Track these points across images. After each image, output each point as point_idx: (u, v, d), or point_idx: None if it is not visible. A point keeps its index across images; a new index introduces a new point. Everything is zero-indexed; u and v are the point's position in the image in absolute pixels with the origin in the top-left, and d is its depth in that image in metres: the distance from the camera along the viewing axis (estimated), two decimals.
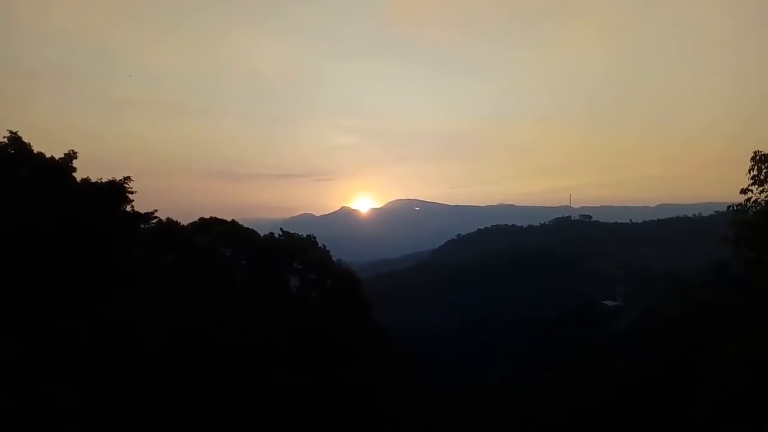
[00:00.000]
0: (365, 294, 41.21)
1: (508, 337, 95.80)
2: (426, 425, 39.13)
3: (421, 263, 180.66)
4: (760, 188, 13.75)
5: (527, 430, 45.96)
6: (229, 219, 38.22)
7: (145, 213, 25.15)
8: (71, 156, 21.51)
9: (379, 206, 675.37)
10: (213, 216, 37.41)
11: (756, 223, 13.86)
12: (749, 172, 13.74)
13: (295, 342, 28.94)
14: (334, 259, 42.83)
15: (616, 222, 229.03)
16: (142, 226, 26.34)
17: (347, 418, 28.14)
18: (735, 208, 14.30)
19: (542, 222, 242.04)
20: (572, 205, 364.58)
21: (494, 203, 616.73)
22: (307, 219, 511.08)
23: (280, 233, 41.37)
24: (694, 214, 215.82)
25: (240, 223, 38.81)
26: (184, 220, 34.83)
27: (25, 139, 20.72)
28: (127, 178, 22.30)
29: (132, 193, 22.57)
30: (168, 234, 31.16)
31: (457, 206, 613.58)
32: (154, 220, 28.03)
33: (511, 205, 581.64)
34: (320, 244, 42.25)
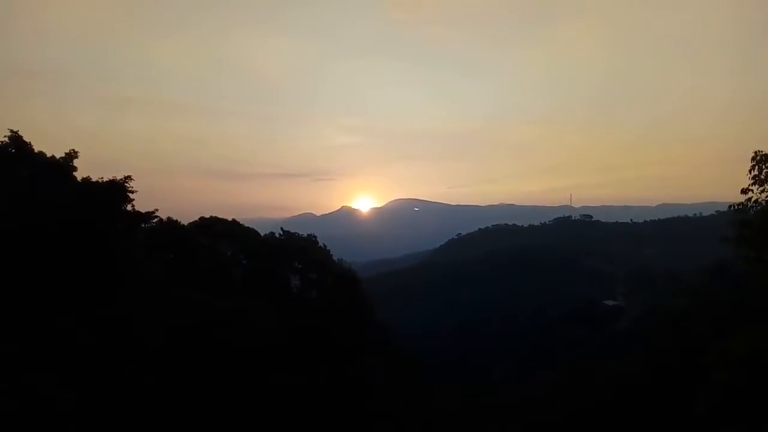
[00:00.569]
0: (366, 294, 41.23)
1: (508, 337, 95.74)
2: (426, 425, 39.12)
3: (421, 263, 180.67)
4: (761, 188, 13.71)
5: (527, 430, 45.93)
6: (229, 218, 38.29)
7: (145, 212, 25.11)
8: (72, 155, 21.48)
9: (379, 206, 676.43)
10: (213, 215, 37.44)
11: (756, 222, 13.83)
12: (750, 172, 13.70)
13: (296, 341, 28.96)
14: (334, 258, 42.87)
15: (616, 222, 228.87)
16: (142, 225, 26.28)
17: (347, 418, 28.14)
18: (736, 207, 14.27)
19: (543, 222, 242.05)
20: (573, 205, 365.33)
21: (495, 203, 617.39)
22: (308, 218, 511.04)
23: (281, 233, 41.41)
24: (695, 214, 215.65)
25: (240, 223, 38.83)
26: (185, 220, 34.90)
27: (26, 139, 20.72)
28: (128, 178, 22.26)
29: (132, 192, 22.51)
30: (168, 233, 31.19)
31: (457, 206, 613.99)
32: (155, 220, 27.98)
33: (512, 204, 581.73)
34: (321, 244, 42.29)
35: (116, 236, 21.59)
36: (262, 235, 39.88)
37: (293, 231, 42.40)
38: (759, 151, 13.62)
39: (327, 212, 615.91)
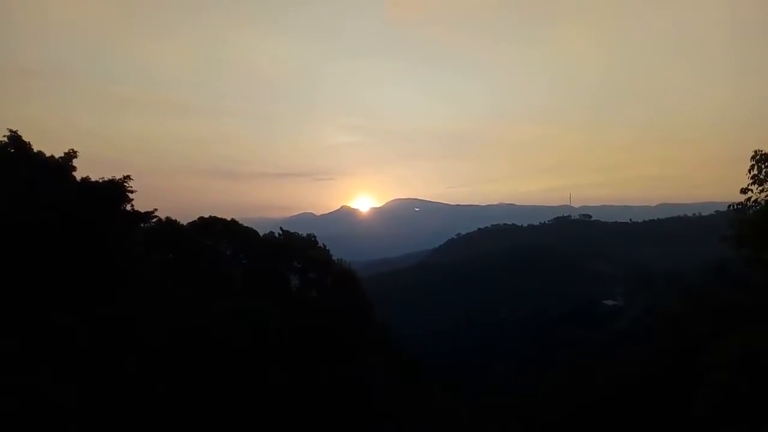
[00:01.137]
0: (365, 293, 41.18)
1: (508, 337, 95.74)
2: (426, 425, 39.11)
3: (421, 262, 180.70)
4: (760, 187, 13.73)
5: (527, 430, 45.93)
6: (229, 218, 38.18)
7: (145, 212, 25.13)
8: (71, 155, 21.48)
9: (379, 205, 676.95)
10: (213, 215, 37.35)
11: (756, 222, 13.83)
12: (749, 172, 13.72)
13: (296, 341, 28.94)
14: (334, 258, 42.77)
15: (616, 221, 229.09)
16: (142, 225, 26.31)
17: (347, 418, 28.14)
18: (735, 207, 14.28)
19: (542, 221, 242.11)
20: (572, 205, 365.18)
21: (494, 202, 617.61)
22: (307, 218, 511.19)
23: (280, 232, 41.34)
24: (694, 214, 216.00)
25: (240, 223, 38.76)
26: (184, 220, 34.86)
27: (25, 138, 20.72)
28: (127, 177, 22.27)
29: (132, 192, 22.55)
30: (168, 233, 31.17)
31: (457, 205, 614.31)
32: (154, 219, 28.00)
33: (512, 204, 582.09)
34: (320, 244, 42.20)
35: (116, 236, 21.57)
36: (261, 234, 39.81)
37: (293, 231, 42.31)
38: (759, 151, 13.63)
39: (327, 212, 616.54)
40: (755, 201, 13.87)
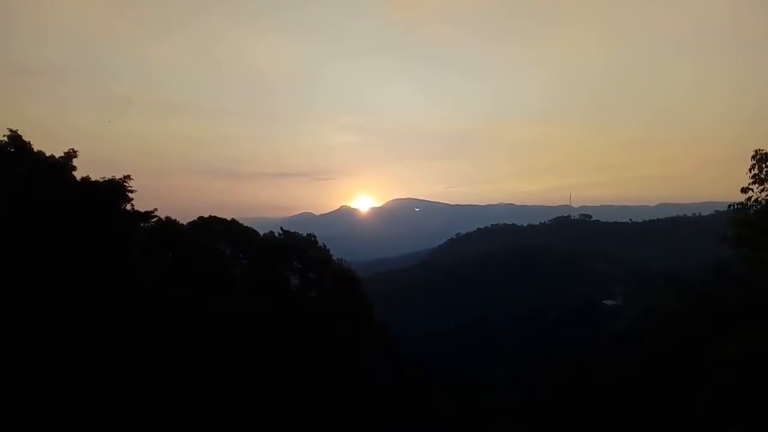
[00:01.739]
0: (365, 293, 41.14)
1: (508, 337, 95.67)
2: (426, 425, 39.10)
3: (421, 262, 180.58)
4: (761, 187, 13.70)
5: (527, 430, 45.92)
6: (228, 218, 38.19)
7: (144, 212, 25.09)
8: (71, 155, 21.45)
9: (379, 205, 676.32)
10: (212, 215, 37.36)
11: (756, 221, 13.81)
12: (750, 171, 13.69)
13: (295, 341, 28.92)
14: (333, 258, 42.73)
15: (616, 221, 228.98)
16: (141, 225, 26.27)
17: (347, 418, 28.13)
18: (735, 207, 14.26)
19: (542, 221, 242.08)
20: (572, 205, 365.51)
21: (494, 202, 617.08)
22: (307, 218, 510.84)
23: (280, 232, 41.32)
24: (694, 214, 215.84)
25: (240, 222, 38.76)
26: (184, 219, 34.84)
27: (25, 138, 20.69)
28: (127, 177, 22.25)
29: (132, 191, 22.50)
30: (168, 233, 31.14)
31: (457, 205, 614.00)
32: (154, 219, 27.97)
33: (511, 204, 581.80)
34: (320, 244, 42.15)
35: (116, 236, 21.55)
36: (261, 234, 39.80)
37: (293, 231, 42.27)
38: (759, 150, 13.60)
39: (326, 212, 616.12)
40: (756, 201, 13.85)
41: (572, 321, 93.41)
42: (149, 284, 22.60)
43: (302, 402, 25.17)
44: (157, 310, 20.60)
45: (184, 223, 34.33)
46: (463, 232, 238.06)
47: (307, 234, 42.26)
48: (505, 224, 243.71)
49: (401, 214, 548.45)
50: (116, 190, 22.12)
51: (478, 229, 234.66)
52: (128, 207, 23.03)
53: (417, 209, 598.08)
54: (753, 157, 13.64)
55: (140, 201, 23.42)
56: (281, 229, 42.14)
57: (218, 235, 36.07)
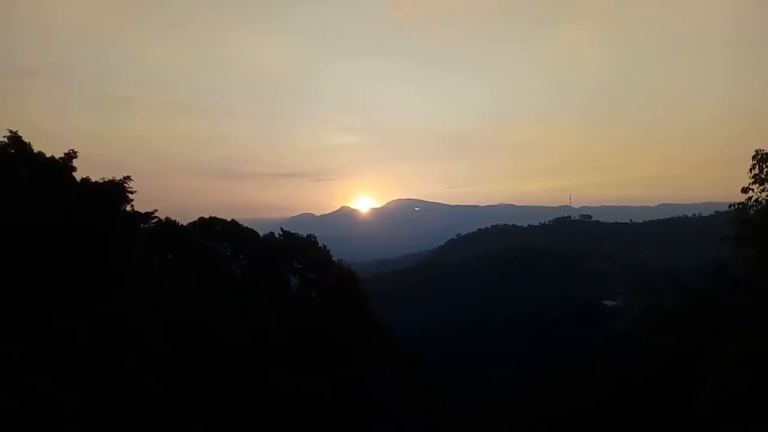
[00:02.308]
0: (365, 294, 41.17)
1: (508, 337, 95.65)
2: (426, 425, 39.10)
3: (421, 263, 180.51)
4: (761, 187, 13.71)
5: (528, 430, 45.90)
6: (229, 219, 38.24)
7: (144, 213, 25.15)
8: (71, 155, 21.49)
9: (379, 206, 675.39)
10: (213, 216, 37.40)
11: (757, 221, 13.82)
12: (750, 171, 13.70)
13: (295, 342, 28.94)
14: (334, 258, 42.78)
15: (616, 222, 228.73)
16: (142, 225, 26.32)
17: (347, 418, 28.13)
18: (736, 206, 14.27)
19: (542, 222, 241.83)
20: (572, 205, 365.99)
21: (494, 203, 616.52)
22: (307, 219, 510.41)
23: (280, 233, 41.36)
24: (695, 214, 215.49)
25: (240, 223, 38.79)
26: (184, 220, 34.90)
27: (25, 139, 20.72)
28: (127, 178, 22.27)
29: (132, 192, 22.53)
30: (168, 233, 31.18)
31: (457, 206, 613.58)
32: (154, 220, 28.02)
33: (512, 204, 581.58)
34: (320, 244, 42.21)
35: (116, 236, 21.56)
36: (261, 235, 39.85)
37: (293, 231, 42.35)
38: (760, 150, 13.61)
39: (327, 212, 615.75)
40: (756, 200, 13.86)
41: (572, 321, 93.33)
42: (149, 285, 22.60)
43: (303, 402, 25.16)
44: (157, 311, 20.61)
45: (184, 224, 34.36)
46: (464, 233, 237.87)
47: (308, 234, 42.33)
48: (505, 225, 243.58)
49: (401, 215, 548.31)
50: (116, 190, 22.13)
51: (478, 229, 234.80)
52: (128, 208, 23.06)
53: (417, 209, 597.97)
54: (753, 157, 13.66)
55: (140, 201, 23.49)
56: (281, 229, 42.19)
57: (218, 236, 36.10)
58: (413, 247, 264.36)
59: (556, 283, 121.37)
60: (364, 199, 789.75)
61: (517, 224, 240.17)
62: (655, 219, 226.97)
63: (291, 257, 38.67)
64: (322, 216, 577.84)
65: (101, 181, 21.98)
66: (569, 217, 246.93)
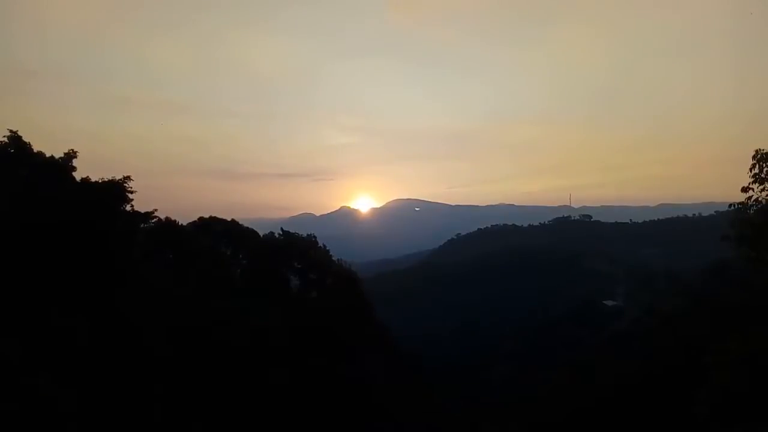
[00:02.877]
0: (365, 294, 41.16)
1: (508, 337, 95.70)
2: (426, 425, 39.07)
3: (421, 263, 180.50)
4: (761, 187, 13.66)
5: (527, 430, 45.90)
6: (229, 218, 38.22)
7: (144, 212, 25.13)
8: (71, 155, 21.49)
9: (379, 206, 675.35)
10: (213, 215, 37.39)
11: (757, 221, 13.78)
12: (750, 171, 13.65)
13: (296, 342, 28.92)
14: (334, 258, 42.77)
15: (616, 222, 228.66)
16: (142, 225, 26.30)
17: (347, 417, 28.11)
18: (736, 206, 14.22)
19: (542, 222, 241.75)
20: (572, 205, 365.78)
21: (494, 203, 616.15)
22: (307, 218, 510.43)
23: (280, 233, 41.33)
24: (695, 214, 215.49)
25: (240, 223, 38.78)
26: (184, 220, 34.88)
27: (25, 139, 20.73)
28: (127, 178, 22.27)
29: (132, 192, 22.54)
30: (168, 233, 31.14)
31: (457, 206, 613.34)
32: (154, 220, 27.99)
33: (512, 204, 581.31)
34: (320, 244, 42.19)
35: (116, 236, 21.56)
36: (261, 235, 39.84)
37: (293, 231, 42.32)
38: (760, 149, 13.55)
39: (327, 212, 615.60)
40: (756, 200, 13.81)
41: (572, 321, 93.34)
42: (149, 285, 22.59)
43: (303, 402, 25.16)
44: (157, 311, 20.59)
45: (184, 224, 34.34)
46: (464, 233, 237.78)
47: (308, 234, 42.30)
48: (505, 225, 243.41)
49: (401, 215, 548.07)
50: (116, 190, 22.14)
51: (478, 229, 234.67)
52: (128, 208, 23.05)
53: (417, 209, 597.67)
54: (753, 157, 13.60)
55: (140, 201, 23.49)
56: (281, 229, 42.17)
57: (218, 236, 36.09)
58: (413, 247, 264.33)
59: (556, 283, 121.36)
60: (364, 199, 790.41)
61: (517, 224, 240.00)
62: (655, 219, 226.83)
63: (291, 257, 38.65)
64: (322, 216, 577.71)
65: (101, 181, 21.98)
66: (569, 217, 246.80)
